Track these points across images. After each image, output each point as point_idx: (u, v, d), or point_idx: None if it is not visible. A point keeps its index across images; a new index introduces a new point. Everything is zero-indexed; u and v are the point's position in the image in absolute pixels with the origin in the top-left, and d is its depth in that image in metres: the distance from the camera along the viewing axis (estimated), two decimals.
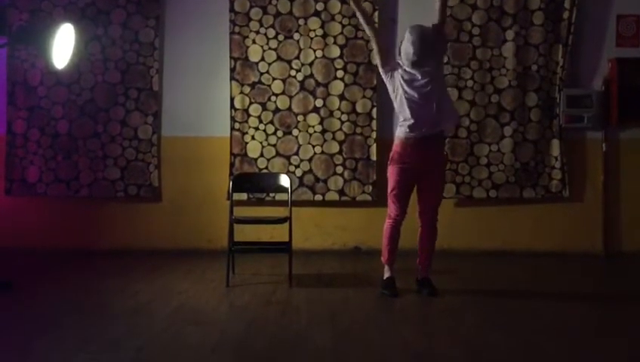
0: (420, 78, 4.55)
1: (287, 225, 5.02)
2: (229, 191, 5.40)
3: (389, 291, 4.62)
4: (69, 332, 3.76)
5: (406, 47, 4.54)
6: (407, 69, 4.58)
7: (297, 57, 6.27)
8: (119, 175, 6.31)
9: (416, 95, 4.54)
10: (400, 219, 4.68)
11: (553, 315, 4.21)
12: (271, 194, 6.19)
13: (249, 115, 6.29)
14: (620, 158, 6.39)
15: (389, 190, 4.70)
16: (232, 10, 6.26)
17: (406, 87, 4.56)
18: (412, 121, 4.54)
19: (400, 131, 4.64)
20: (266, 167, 6.28)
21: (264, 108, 6.29)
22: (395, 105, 4.71)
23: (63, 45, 4.73)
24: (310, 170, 6.29)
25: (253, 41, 6.27)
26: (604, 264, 6.11)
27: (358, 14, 4.87)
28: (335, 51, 6.26)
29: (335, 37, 6.26)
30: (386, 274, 4.72)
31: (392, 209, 4.68)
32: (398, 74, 4.62)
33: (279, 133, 6.29)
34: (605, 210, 6.38)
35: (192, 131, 6.38)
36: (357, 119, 6.28)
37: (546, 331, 3.86)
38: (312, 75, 6.27)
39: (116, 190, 6.32)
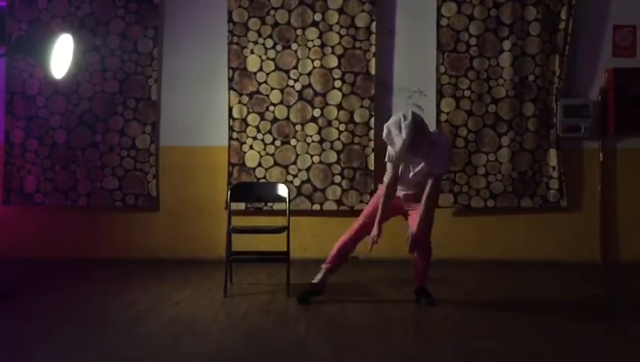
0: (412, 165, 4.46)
1: (285, 234, 5.01)
2: (227, 201, 5.40)
3: (303, 296, 4.63)
4: (66, 341, 3.75)
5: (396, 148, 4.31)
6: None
7: (295, 67, 6.29)
8: (117, 184, 6.32)
9: (408, 168, 4.48)
10: (361, 238, 4.66)
11: (551, 324, 4.20)
12: (269, 204, 6.19)
13: (247, 125, 6.31)
14: (617, 168, 6.42)
15: (367, 209, 4.70)
16: (230, 20, 6.29)
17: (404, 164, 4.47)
18: (402, 185, 4.54)
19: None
20: (264, 177, 6.29)
21: (262, 117, 6.30)
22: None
23: (61, 55, 4.74)
24: (308, 180, 6.30)
25: (252, 51, 6.30)
26: (602, 273, 6.11)
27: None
28: (333, 61, 6.29)
29: (333, 47, 6.29)
30: (315, 280, 4.72)
31: (359, 224, 4.65)
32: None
33: (277, 143, 6.30)
34: (603, 219, 6.39)
35: (190, 141, 6.39)
36: (355, 129, 6.30)
37: (543, 339, 3.86)
38: (310, 85, 6.30)
39: (114, 199, 6.32)
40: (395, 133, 4.24)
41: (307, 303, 4.63)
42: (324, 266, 4.75)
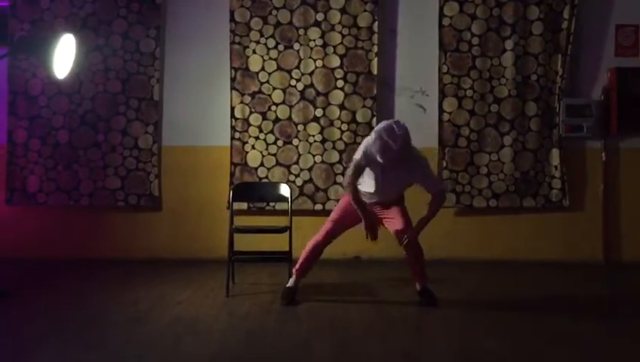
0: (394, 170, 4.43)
1: (287, 234, 5.01)
2: (229, 201, 5.40)
3: (285, 300, 4.64)
4: (68, 341, 3.76)
5: (382, 153, 4.28)
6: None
7: (297, 67, 6.29)
8: (120, 184, 6.32)
9: (385, 178, 4.48)
10: (329, 241, 4.69)
11: (552, 324, 4.20)
12: (271, 204, 6.20)
13: (249, 125, 6.31)
14: (620, 167, 6.41)
15: (334, 214, 4.72)
16: (232, 20, 6.29)
17: (381, 171, 4.46)
18: (373, 194, 4.56)
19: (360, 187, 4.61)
20: (266, 177, 6.29)
21: (264, 117, 6.31)
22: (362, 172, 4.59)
23: (64, 55, 4.75)
24: (310, 180, 6.30)
25: (254, 51, 6.30)
26: (605, 273, 6.11)
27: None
28: (335, 61, 6.29)
29: (335, 47, 6.28)
30: (289, 284, 4.76)
31: (326, 230, 4.67)
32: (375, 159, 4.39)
33: (279, 143, 6.30)
34: (605, 219, 6.38)
35: (192, 141, 6.39)
36: (357, 128, 6.29)
37: (546, 340, 3.85)
38: (312, 85, 6.30)
39: (116, 199, 6.33)
40: (387, 139, 4.21)
41: (295, 304, 4.63)
42: (294, 271, 4.77)
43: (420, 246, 4.60)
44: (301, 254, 4.77)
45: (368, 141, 4.40)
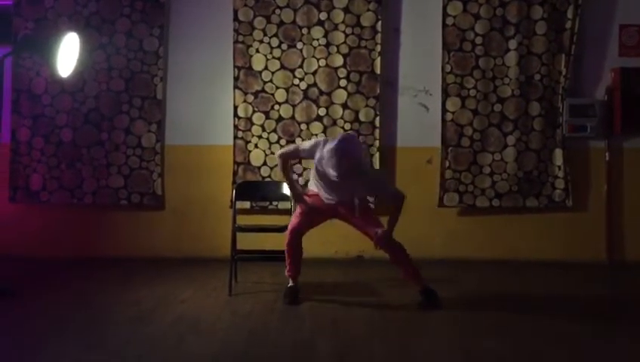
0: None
1: None
2: (232, 200, 5.41)
3: (288, 299, 4.66)
4: (70, 339, 3.77)
5: (329, 164, 4.33)
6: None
7: (301, 66, 6.29)
8: (123, 183, 6.33)
9: (333, 183, 4.51)
10: (302, 232, 4.71)
11: (554, 324, 4.19)
12: (274, 203, 6.19)
13: (252, 124, 6.31)
14: (624, 167, 6.39)
15: (298, 208, 4.75)
16: (235, 19, 6.29)
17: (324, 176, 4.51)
18: (326, 194, 4.62)
19: (314, 187, 4.70)
20: (269, 176, 6.29)
21: (267, 116, 6.31)
22: (313, 171, 4.68)
23: (67, 54, 4.76)
24: None
25: (257, 50, 6.30)
26: (608, 273, 6.09)
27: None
28: (338, 60, 6.28)
29: (338, 46, 6.28)
30: (290, 284, 4.79)
31: (294, 221, 4.71)
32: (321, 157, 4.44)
33: (282, 142, 6.30)
34: (609, 219, 6.37)
35: (195, 139, 6.40)
36: (360, 128, 6.29)
37: (546, 340, 3.85)
38: (315, 84, 6.29)
39: (119, 198, 6.33)
40: (335, 162, 4.25)
41: (297, 303, 4.63)
42: (287, 275, 4.80)
43: (398, 242, 4.59)
44: (286, 258, 4.79)
45: (321, 147, 4.42)
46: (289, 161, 4.79)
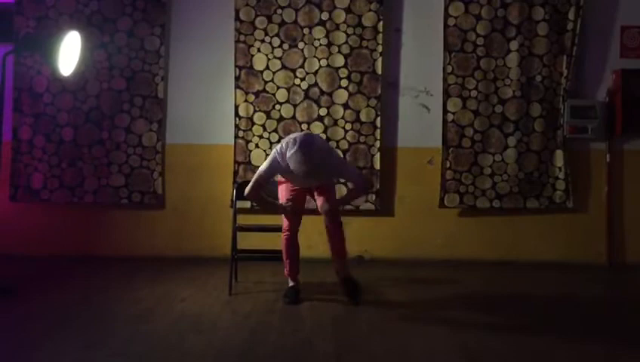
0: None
1: None
2: (232, 199, 5.41)
3: (289, 298, 4.67)
4: (71, 338, 3.77)
5: (295, 168, 4.39)
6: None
7: (302, 66, 6.30)
8: (123, 182, 6.33)
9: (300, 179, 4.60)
10: (295, 230, 4.75)
11: (554, 325, 4.20)
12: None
13: (253, 123, 6.31)
14: (624, 169, 6.40)
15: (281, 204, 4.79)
16: (237, 18, 6.30)
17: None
18: (297, 186, 4.74)
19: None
20: None
21: (268, 116, 6.31)
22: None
23: (68, 53, 4.77)
24: None
25: (258, 50, 6.30)
26: (608, 274, 6.10)
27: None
28: (339, 60, 6.29)
29: (339, 46, 6.29)
30: (290, 284, 4.81)
31: (285, 221, 4.75)
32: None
33: None
34: (609, 220, 6.37)
35: (196, 139, 6.40)
36: (361, 128, 6.29)
37: (546, 340, 3.85)
38: (316, 84, 6.30)
39: (120, 197, 6.33)
40: (297, 164, 4.32)
41: (298, 302, 4.65)
42: (286, 275, 4.83)
43: (340, 219, 4.69)
44: (284, 259, 4.82)
45: (280, 158, 4.47)
46: (259, 192, 4.70)
